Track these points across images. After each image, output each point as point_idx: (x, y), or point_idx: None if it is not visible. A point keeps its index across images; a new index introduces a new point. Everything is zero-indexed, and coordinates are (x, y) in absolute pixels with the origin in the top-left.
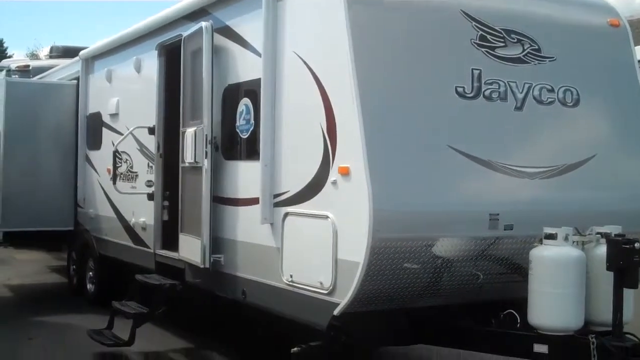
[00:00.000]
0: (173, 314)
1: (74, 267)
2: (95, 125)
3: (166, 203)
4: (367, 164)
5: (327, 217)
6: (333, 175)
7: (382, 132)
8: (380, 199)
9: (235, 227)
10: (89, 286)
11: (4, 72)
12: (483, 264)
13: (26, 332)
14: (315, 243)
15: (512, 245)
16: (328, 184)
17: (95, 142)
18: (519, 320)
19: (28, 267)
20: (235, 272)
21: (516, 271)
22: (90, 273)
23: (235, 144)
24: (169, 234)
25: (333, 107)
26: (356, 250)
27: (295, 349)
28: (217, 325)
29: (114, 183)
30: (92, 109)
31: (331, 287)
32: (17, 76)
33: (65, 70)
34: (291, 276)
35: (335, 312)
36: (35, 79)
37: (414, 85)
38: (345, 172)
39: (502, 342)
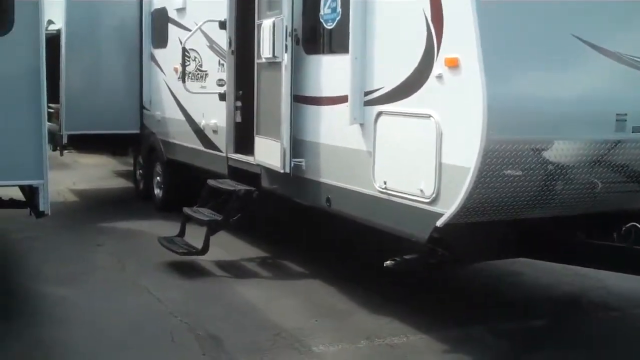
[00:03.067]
0: (248, 221)
1: (141, 171)
2: (161, 22)
3: (239, 103)
4: (481, 54)
5: (429, 116)
6: (438, 68)
7: (497, 17)
8: (495, 95)
9: (319, 128)
10: (157, 191)
11: None
12: (602, 171)
13: (94, 239)
14: (414, 146)
15: (636, 149)
16: (431, 79)
17: (161, 40)
18: None
19: (93, 172)
20: (318, 177)
21: (638, 180)
22: (158, 178)
23: (319, 36)
24: (243, 137)
25: None
26: (465, 154)
27: (388, 262)
28: (294, 234)
29: (183, 82)
30: (157, 4)
31: (433, 196)
32: None
33: None
34: (385, 183)
35: (438, 223)
36: None
37: None
38: (453, 65)
39: (624, 259)
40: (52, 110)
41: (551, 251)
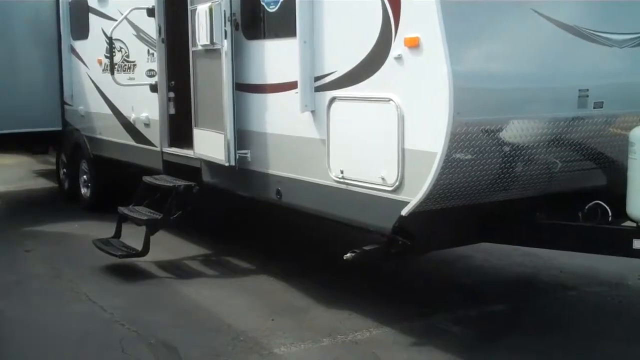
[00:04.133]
0: (188, 218)
1: (65, 170)
2: (80, 12)
3: (172, 94)
4: (444, 33)
5: (389, 100)
6: (397, 48)
7: None
8: (460, 75)
9: (264, 117)
10: (84, 190)
11: None
12: (561, 150)
13: (21, 244)
14: (373, 132)
15: (596, 126)
16: (390, 60)
17: (81, 31)
18: (610, 214)
19: (11, 173)
20: (266, 169)
21: (598, 157)
22: (84, 176)
23: (260, 21)
24: (177, 130)
25: None
26: (431, 138)
27: (347, 254)
28: (238, 230)
29: (112, 74)
30: None
31: (397, 184)
32: None
33: None
34: (341, 172)
35: (403, 212)
36: None
37: None
38: (413, 44)
39: (591, 238)
40: None
41: (514, 234)
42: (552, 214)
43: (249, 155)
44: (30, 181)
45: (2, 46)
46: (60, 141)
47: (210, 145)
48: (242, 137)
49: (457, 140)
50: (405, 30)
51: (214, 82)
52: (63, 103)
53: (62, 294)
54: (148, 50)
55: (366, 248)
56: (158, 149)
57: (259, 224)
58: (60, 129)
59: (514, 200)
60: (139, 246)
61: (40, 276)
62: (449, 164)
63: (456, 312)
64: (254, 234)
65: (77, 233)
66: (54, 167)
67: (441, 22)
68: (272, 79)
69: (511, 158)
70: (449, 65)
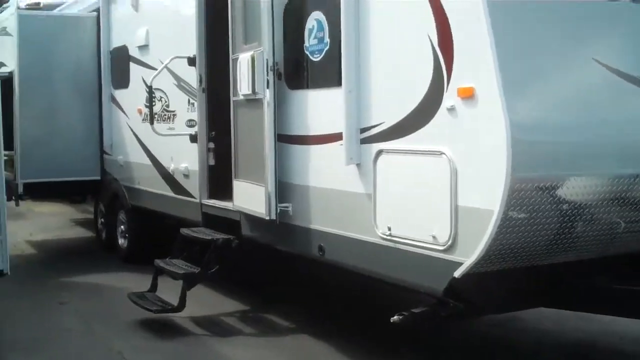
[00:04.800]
0: (226, 272)
1: (103, 220)
2: (121, 61)
3: (212, 145)
4: (500, 82)
5: (441, 153)
6: (449, 99)
7: (515, 41)
8: (519, 127)
9: (307, 170)
10: (121, 241)
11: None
12: (625, 209)
13: (56, 295)
14: (423, 187)
15: None
16: (442, 111)
17: (121, 80)
18: None
19: (49, 221)
20: (308, 224)
21: None
22: (122, 227)
23: (303, 70)
24: (217, 181)
25: (447, 11)
26: (487, 195)
27: (395, 317)
28: (278, 286)
29: (152, 124)
30: (116, 43)
31: (449, 243)
32: None
33: (81, 2)
34: (389, 229)
35: (456, 273)
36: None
37: None
38: (467, 95)
39: None
40: (6, 158)
41: (573, 299)
42: (614, 277)
43: (290, 208)
44: (68, 230)
45: (43, 95)
46: (99, 191)
47: (250, 197)
48: (283, 190)
49: (515, 198)
50: (458, 80)
51: (255, 133)
52: (102, 152)
53: (94, 351)
54: (188, 100)
55: (415, 310)
56: (197, 200)
57: (299, 281)
58: (99, 178)
59: (573, 262)
60: (175, 301)
61: (73, 331)
62: (506, 222)
63: None
64: (293, 290)
65: (112, 285)
66: (92, 216)
67: (497, 72)
68: (315, 130)
69: (571, 217)
70: (507, 117)
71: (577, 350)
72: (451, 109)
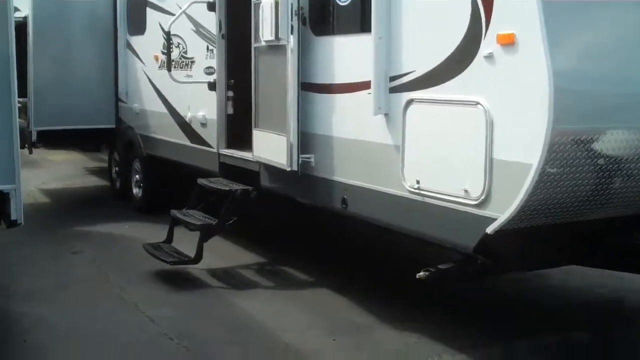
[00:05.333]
0: (243, 224)
1: (117, 169)
2: (138, 6)
3: (230, 93)
4: (544, 28)
5: (476, 103)
6: (488, 46)
7: None
8: (563, 77)
9: (331, 120)
10: (135, 190)
11: None
12: None
13: (70, 245)
14: (456, 139)
15: None
16: (478, 59)
17: (138, 26)
18: None
19: (63, 169)
20: (332, 175)
21: None
22: (137, 176)
23: (330, 15)
24: (235, 131)
25: None
26: (525, 148)
27: (421, 273)
28: (296, 238)
29: (169, 71)
30: None
31: (482, 197)
32: None
33: None
34: (417, 182)
35: (489, 230)
36: None
37: None
38: (508, 42)
39: None
40: (19, 105)
41: (609, 258)
42: None
43: (312, 160)
44: (82, 179)
45: (57, 41)
46: (114, 139)
47: (271, 148)
48: (305, 140)
49: (555, 151)
50: (498, 26)
51: (277, 81)
52: (118, 100)
53: (109, 302)
54: (207, 47)
55: (441, 267)
56: (214, 150)
57: (320, 233)
58: (113, 126)
59: (606, 219)
60: (191, 252)
61: (87, 281)
62: (544, 177)
63: (537, 338)
64: (314, 243)
65: (127, 235)
66: (106, 165)
67: (542, 17)
68: (341, 78)
69: (610, 172)
70: (550, 65)
71: (604, 307)
72: (489, 57)
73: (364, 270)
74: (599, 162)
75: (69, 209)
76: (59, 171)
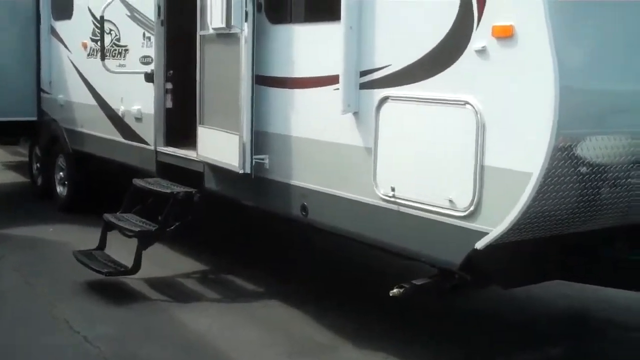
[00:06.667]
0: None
1: (38, 165)
2: None
3: (170, 85)
4: (550, 19)
5: (465, 103)
6: (480, 39)
7: None
8: (569, 75)
9: (289, 118)
10: (59, 189)
11: None
12: None
13: None
14: (439, 142)
15: None
16: (468, 53)
17: (63, 10)
18: None
19: None
20: (289, 179)
21: None
22: (61, 173)
23: (288, 1)
24: (174, 127)
25: None
26: (524, 155)
27: (394, 290)
28: (243, 244)
29: (102, 60)
30: None
31: (471, 209)
32: None
33: None
34: (392, 189)
35: (479, 245)
36: None
37: None
38: (505, 34)
39: None
40: None
41: (598, 272)
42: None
43: (266, 161)
44: None
45: None
46: (35, 132)
47: (219, 147)
48: (259, 140)
49: (557, 158)
50: (493, 16)
51: (227, 74)
52: (40, 90)
53: (38, 318)
54: (144, 34)
55: (416, 282)
56: (151, 147)
57: (268, 240)
58: (35, 119)
59: (598, 230)
60: (127, 260)
61: (12, 291)
62: (544, 187)
63: (512, 356)
64: (261, 251)
65: (52, 239)
66: (26, 159)
67: (546, 7)
68: (302, 71)
69: (612, 179)
70: (555, 61)
71: (573, 320)
72: (481, 51)
73: (322, 281)
74: (605, 168)
75: None
76: None
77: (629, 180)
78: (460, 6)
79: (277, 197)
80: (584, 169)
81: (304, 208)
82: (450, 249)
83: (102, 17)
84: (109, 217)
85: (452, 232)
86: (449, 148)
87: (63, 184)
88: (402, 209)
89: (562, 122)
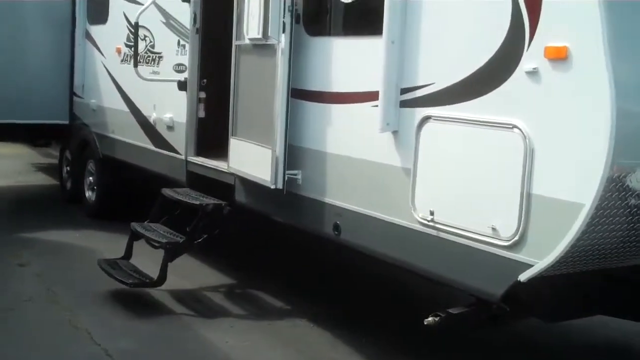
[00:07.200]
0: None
1: (68, 168)
2: None
3: (203, 95)
4: (608, 43)
5: (513, 126)
6: (531, 60)
7: None
8: (627, 100)
9: (324, 133)
10: (88, 194)
11: None
12: None
13: (15, 254)
14: (484, 167)
15: None
16: (518, 74)
17: (99, 14)
18: None
19: (8, 164)
20: (322, 196)
21: None
22: (90, 178)
23: (327, 13)
24: (205, 137)
25: None
26: (575, 184)
27: (429, 319)
28: (273, 259)
29: (135, 66)
30: None
31: (515, 239)
32: None
33: None
34: (431, 213)
35: (522, 277)
36: None
37: None
38: (559, 56)
39: None
40: None
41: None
42: None
43: (299, 177)
44: (29, 176)
45: (7, 25)
46: (66, 136)
47: (251, 160)
48: (292, 155)
49: (611, 190)
50: (546, 36)
51: (262, 85)
52: (72, 94)
53: (59, 329)
54: (178, 41)
55: (452, 311)
56: (182, 157)
57: (298, 255)
58: (67, 122)
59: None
60: (153, 271)
61: (34, 301)
62: (596, 219)
63: None
64: (290, 266)
65: (79, 244)
66: (57, 161)
67: (604, 28)
68: (340, 86)
69: None
70: (613, 87)
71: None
72: (532, 73)
73: (353, 303)
74: None
75: (14, 210)
76: (4, 166)
77: None
78: (511, 24)
79: (309, 214)
80: (633, 201)
81: (336, 227)
82: (492, 279)
83: (136, 23)
84: (136, 226)
85: (494, 262)
86: (494, 173)
87: (92, 189)
88: (442, 234)
89: (617, 151)
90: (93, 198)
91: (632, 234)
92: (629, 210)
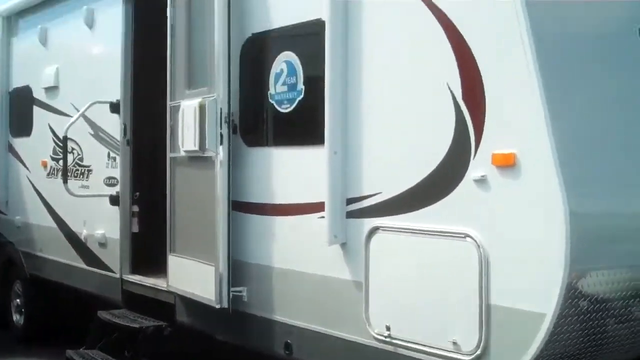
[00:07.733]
0: None
1: None
2: (23, 104)
3: (136, 209)
4: (554, 147)
5: (465, 236)
6: (478, 167)
7: (571, 92)
8: (580, 206)
9: (269, 247)
10: (16, 317)
11: None
12: None
13: None
14: (439, 278)
15: None
16: (466, 182)
17: (22, 127)
18: None
19: None
20: (271, 314)
21: None
22: (18, 300)
23: (266, 123)
24: (141, 253)
25: (475, 53)
26: (535, 293)
27: None
28: None
29: (65, 182)
30: (17, 83)
31: (478, 352)
32: None
33: None
34: (388, 329)
35: None
36: None
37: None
38: (507, 163)
39: None
40: None
41: None
42: None
43: (244, 294)
44: None
45: None
46: None
47: (192, 278)
48: (237, 270)
49: (571, 297)
50: (492, 143)
51: (201, 198)
52: None
53: None
54: (108, 154)
55: None
56: (117, 275)
57: None
58: None
59: None
60: None
61: None
62: (558, 328)
63: None
64: None
65: None
66: None
67: (551, 133)
68: (283, 197)
69: (622, 316)
70: (564, 192)
71: None
72: (481, 181)
73: None
74: (624, 303)
75: None
76: None
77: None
78: (456, 131)
79: (258, 333)
80: (585, 305)
81: (287, 346)
82: None
83: (65, 136)
84: (72, 354)
85: None
86: (450, 284)
87: (20, 312)
88: (400, 350)
89: (574, 257)
90: (22, 321)
91: (587, 340)
92: (582, 316)
